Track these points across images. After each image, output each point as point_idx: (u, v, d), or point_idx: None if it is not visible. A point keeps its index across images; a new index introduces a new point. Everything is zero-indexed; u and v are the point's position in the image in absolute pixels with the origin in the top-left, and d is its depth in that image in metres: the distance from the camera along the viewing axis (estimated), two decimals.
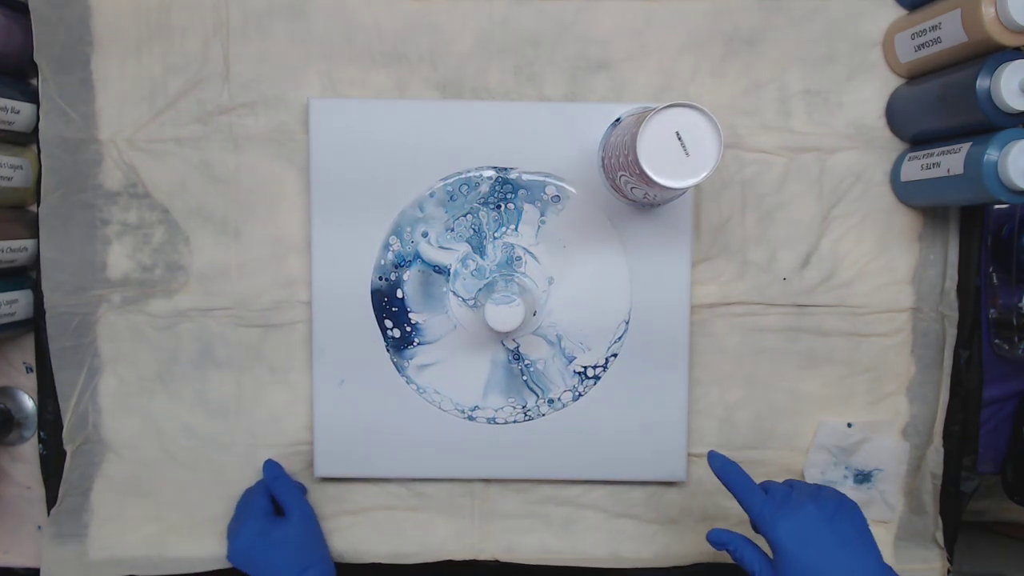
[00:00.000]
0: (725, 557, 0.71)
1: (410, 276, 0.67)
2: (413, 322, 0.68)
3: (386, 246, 0.67)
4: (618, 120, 0.59)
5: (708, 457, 0.59)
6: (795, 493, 0.56)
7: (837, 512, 0.55)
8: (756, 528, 0.57)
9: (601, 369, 0.68)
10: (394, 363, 0.68)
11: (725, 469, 0.58)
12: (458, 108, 0.66)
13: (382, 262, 0.67)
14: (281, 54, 0.67)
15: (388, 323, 0.68)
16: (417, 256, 0.67)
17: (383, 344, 0.68)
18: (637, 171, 0.53)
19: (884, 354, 0.70)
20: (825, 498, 0.56)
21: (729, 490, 0.58)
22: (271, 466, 0.69)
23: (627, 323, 0.68)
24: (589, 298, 0.67)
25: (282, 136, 0.68)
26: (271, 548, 0.64)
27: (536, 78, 0.67)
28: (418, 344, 0.68)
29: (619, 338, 0.68)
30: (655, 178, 0.51)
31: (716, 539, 0.57)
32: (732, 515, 0.71)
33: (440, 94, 0.68)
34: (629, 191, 0.59)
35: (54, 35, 0.66)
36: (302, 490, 0.69)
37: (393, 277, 0.67)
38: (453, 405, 0.69)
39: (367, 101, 0.66)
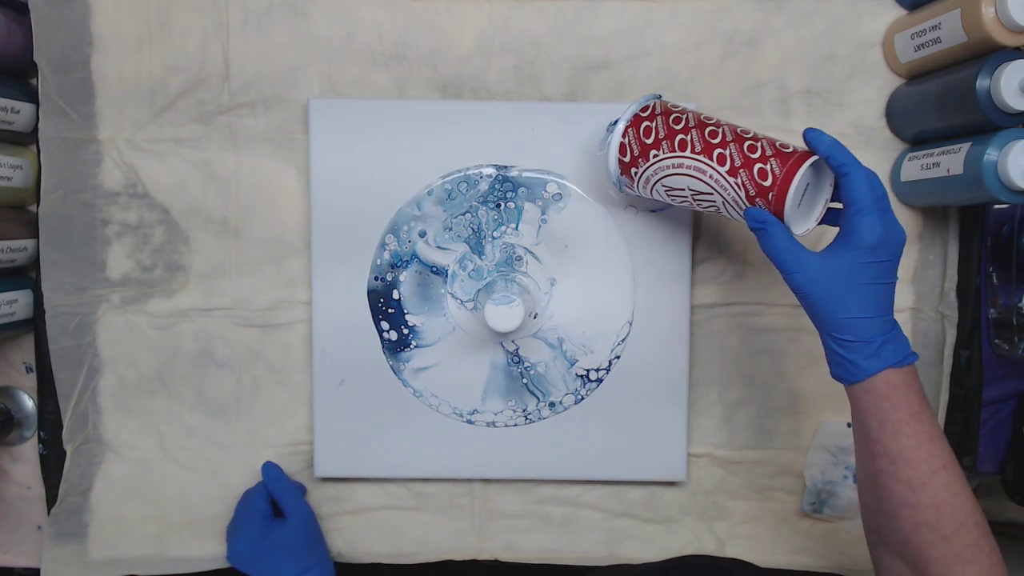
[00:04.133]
0: (720, 552, 0.71)
1: (407, 277, 0.67)
2: (410, 324, 0.68)
3: (382, 246, 0.67)
4: (616, 121, 0.59)
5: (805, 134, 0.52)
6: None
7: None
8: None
9: (604, 372, 0.68)
10: (391, 366, 0.68)
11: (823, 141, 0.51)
12: (458, 108, 0.66)
13: (378, 262, 0.67)
14: (281, 54, 0.67)
15: (384, 325, 0.68)
16: (414, 256, 0.67)
17: (379, 346, 0.68)
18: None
19: None
20: None
21: (831, 161, 0.51)
22: (270, 468, 0.69)
23: (631, 324, 0.67)
24: (592, 299, 0.67)
25: (282, 136, 0.68)
26: (270, 550, 0.64)
27: (536, 78, 0.67)
28: (415, 347, 0.68)
29: (623, 340, 0.68)
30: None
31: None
32: (732, 515, 0.71)
33: (440, 94, 0.68)
34: (663, 194, 0.58)
35: (54, 35, 0.66)
36: (302, 491, 0.69)
37: (389, 278, 0.67)
38: (451, 409, 0.68)
39: (367, 101, 0.66)
